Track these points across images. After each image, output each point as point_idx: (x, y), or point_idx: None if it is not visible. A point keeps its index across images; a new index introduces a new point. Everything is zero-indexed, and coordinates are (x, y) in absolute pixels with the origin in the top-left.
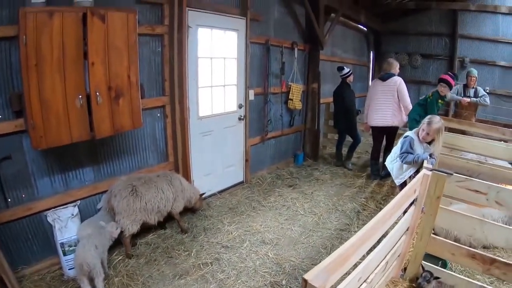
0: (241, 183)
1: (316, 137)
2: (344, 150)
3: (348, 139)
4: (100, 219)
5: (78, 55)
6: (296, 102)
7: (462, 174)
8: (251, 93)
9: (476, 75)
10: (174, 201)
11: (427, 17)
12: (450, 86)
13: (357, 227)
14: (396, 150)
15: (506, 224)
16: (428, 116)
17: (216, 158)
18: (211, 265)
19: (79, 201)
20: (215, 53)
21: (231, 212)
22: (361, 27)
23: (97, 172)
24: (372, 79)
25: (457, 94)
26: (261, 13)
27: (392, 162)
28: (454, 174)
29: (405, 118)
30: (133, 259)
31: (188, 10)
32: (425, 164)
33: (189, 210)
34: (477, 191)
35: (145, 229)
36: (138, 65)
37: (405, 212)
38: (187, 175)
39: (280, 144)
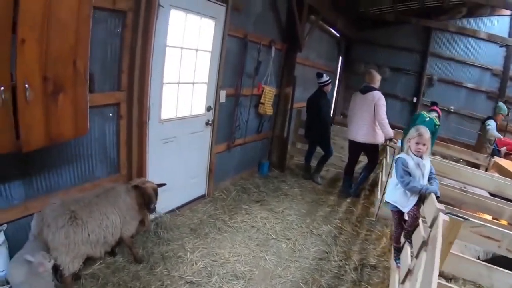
0: (202, 196)
1: (284, 146)
2: (313, 162)
3: (319, 150)
4: (30, 250)
5: (5, 27)
6: (268, 107)
7: (445, 203)
8: (223, 94)
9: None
10: (122, 225)
11: (400, 31)
12: None
13: (337, 255)
14: (393, 179)
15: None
16: (414, 128)
17: (178, 169)
18: None
19: (5, 225)
20: (187, 43)
21: (194, 235)
22: (335, 32)
23: (29, 188)
24: (339, 86)
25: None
26: (242, 2)
27: (393, 191)
28: (470, 219)
29: (380, 137)
30: None
31: None
32: (437, 204)
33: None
34: (490, 237)
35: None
36: (89, 48)
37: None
38: None
39: (246, 152)
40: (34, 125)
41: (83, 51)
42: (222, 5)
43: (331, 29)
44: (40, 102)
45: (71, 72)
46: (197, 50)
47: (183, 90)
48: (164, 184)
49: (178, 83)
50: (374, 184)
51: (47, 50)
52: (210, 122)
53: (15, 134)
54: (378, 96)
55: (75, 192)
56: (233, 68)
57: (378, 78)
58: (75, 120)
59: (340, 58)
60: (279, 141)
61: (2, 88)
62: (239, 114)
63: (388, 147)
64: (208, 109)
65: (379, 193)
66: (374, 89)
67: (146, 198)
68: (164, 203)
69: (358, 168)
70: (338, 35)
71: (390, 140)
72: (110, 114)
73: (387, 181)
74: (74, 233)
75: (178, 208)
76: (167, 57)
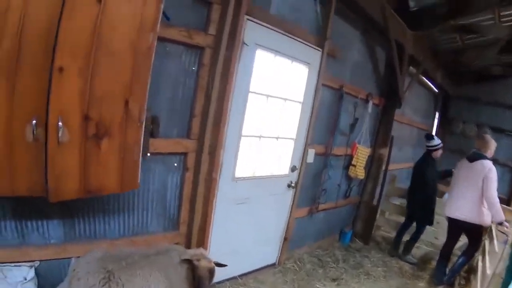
0: (272, 265)
1: (372, 215)
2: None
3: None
4: None
5: (45, 54)
6: (359, 170)
7: None
8: (312, 153)
9: None
10: None
11: (503, 87)
12: None
13: None
14: None
15: None
16: None
17: (247, 234)
18: None
19: (38, 262)
20: (274, 90)
21: None
22: (432, 86)
23: (69, 230)
24: None
25: None
26: (339, 48)
27: None
28: None
29: (487, 217)
30: None
31: (247, 19)
32: None
33: None
34: None
35: None
36: (147, 86)
37: None
38: None
39: (329, 218)
40: (66, 173)
41: (139, 90)
42: (318, 50)
43: (429, 82)
44: (76, 146)
45: (121, 114)
46: (285, 99)
47: (264, 145)
48: (225, 265)
49: (260, 136)
50: (471, 270)
51: (92, 84)
52: (293, 185)
53: (45, 178)
54: (488, 167)
55: (123, 243)
56: (324, 123)
57: (492, 146)
58: (121, 172)
59: (437, 115)
60: (367, 209)
61: (34, 121)
62: (327, 176)
63: (494, 229)
64: (293, 169)
65: (478, 285)
66: (485, 157)
67: (196, 279)
68: (225, 268)
69: (455, 248)
70: (436, 89)
71: (500, 223)
72: (175, 164)
73: (492, 275)
74: None
75: (241, 276)
76: (249, 104)
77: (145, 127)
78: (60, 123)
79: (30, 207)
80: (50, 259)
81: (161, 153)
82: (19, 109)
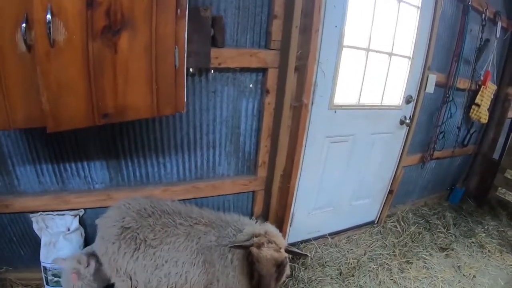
0: (370, 223)
1: (490, 171)
2: None
3: None
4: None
5: None
6: (483, 112)
7: None
8: (432, 79)
9: None
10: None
11: None
12: None
13: None
14: None
15: None
16: None
17: (345, 184)
18: None
19: (82, 211)
20: None
21: (343, 283)
22: None
23: (116, 173)
24: None
25: None
26: None
27: None
28: None
29: None
30: None
31: None
32: None
33: None
34: None
35: None
36: None
37: None
38: (284, 208)
39: (440, 170)
40: (66, 88)
41: None
42: None
43: None
44: (79, 46)
45: None
46: (399, 0)
47: (372, 62)
48: (305, 255)
49: (367, 49)
50: None
51: None
52: (407, 121)
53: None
54: None
55: (183, 190)
56: (444, 44)
57: None
58: (154, 84)
59: None
60: (484, 163)
61: (24, 25)
62: (448, 115)
63: None
64: (408, 100)
65: None
66: None
67: (256, 275)
68: (315, 225)
69: None
70: None
71: None
72: (250, 86)
73: None
74: (122, 255)
75: (333, 234)
76: (350, 4)
77: (203, 29)
78: (49, 16)
79: (68, 146)
80: (95, 208)
81: (230, 69)
82: (5, 8)
